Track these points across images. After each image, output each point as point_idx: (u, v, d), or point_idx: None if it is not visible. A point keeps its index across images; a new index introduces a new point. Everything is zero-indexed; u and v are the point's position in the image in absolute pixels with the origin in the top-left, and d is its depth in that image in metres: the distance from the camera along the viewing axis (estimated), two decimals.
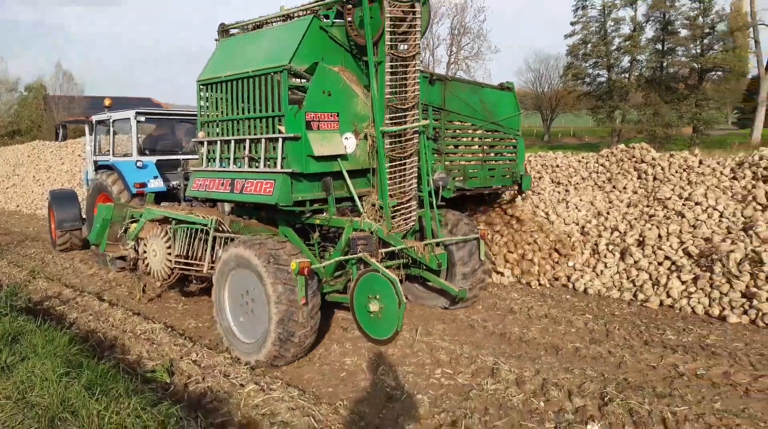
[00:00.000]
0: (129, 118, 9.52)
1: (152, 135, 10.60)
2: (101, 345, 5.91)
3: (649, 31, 39.87)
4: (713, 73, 38.43)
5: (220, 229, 6.20)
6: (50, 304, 7.41)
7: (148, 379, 5.03)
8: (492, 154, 7.95)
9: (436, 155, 6.96)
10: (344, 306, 6.45)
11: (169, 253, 6.58)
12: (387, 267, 5.59)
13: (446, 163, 7.15)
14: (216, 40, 6.79)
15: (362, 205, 5.89)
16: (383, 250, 5.79)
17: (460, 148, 7.53)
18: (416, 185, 6.11)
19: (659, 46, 39.26)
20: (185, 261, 6.47)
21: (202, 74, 6.46)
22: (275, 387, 4.83)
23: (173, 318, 7.01)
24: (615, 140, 39.80)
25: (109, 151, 10.07)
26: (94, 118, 10.59)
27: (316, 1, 5.80)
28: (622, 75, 41.47)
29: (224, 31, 6.75)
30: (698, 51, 37.56)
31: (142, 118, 9.57)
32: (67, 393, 4.03)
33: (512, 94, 8.17)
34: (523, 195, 9.27)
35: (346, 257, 5.68)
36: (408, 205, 6.07)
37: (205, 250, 6.25)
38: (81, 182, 16.30)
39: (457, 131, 7.43)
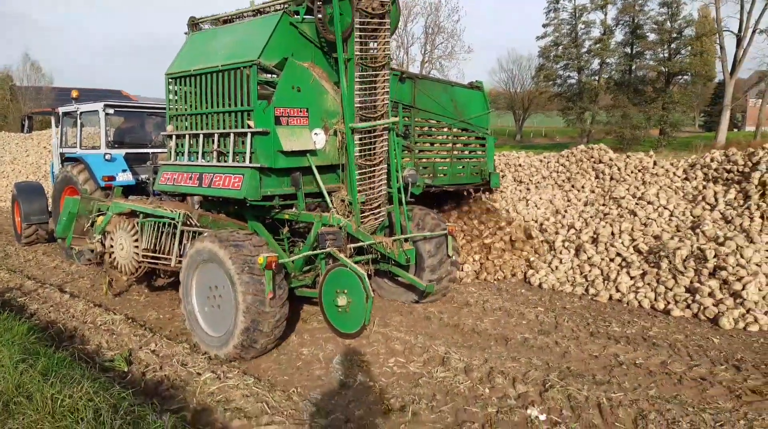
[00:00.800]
0: (97, 110, 9.47)
1: (121, 128, 10.52)
2: (60, 335, 5.96)
3: (619, 35, 40.74)
4: (680, 77, 39.36)
5: (188, 223, 6.20)
6: (11, 296, 7.42)
7: (106, 368, 5.12)
8: (461, 152, 8.09)
9: (405, 152, 7.07)
10: (313, 301, 6.51)
11: (137, 247, 6.58)
12: (356, 262, 5.70)
13: (416, 160, 7.27)
14: (185, 33, 6.82)
15: (331, 200, 5.98)
16: (352, 246, 5.89)
17: (429, 145, 7.65)
18: (386, 182, 6.21)
19: (628, 50, 40.06)
20: (153, 255, 6.47)
21: (171, 67, 6.48)
22: (231, 375, 4.95)
23: (135, 310, 7.08)
24: (584, 141, 40.52)
25: (76, 143, 10.01)
26: (61, 109, 10.50)
27: None
28: (592, 77, 42.24)
29: (194, 24, 6.79)
30: (666, 55, 38.40)
31: (111, 111, 9.53)
32: (22, 378, 4.12)
33: (482, 93, 8.31)
34: (490, 192, 9.44)
35: (315, 252, 5.76)
36: (377, 201, 6.17)
37: (173, 244, 6.25)
38: (47, 174, 16.12)
39: (427, 129, 7.56)
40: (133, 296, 7.67)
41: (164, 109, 6.87)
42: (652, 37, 38.74)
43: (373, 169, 6.07)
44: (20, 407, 3.77)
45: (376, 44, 5.83)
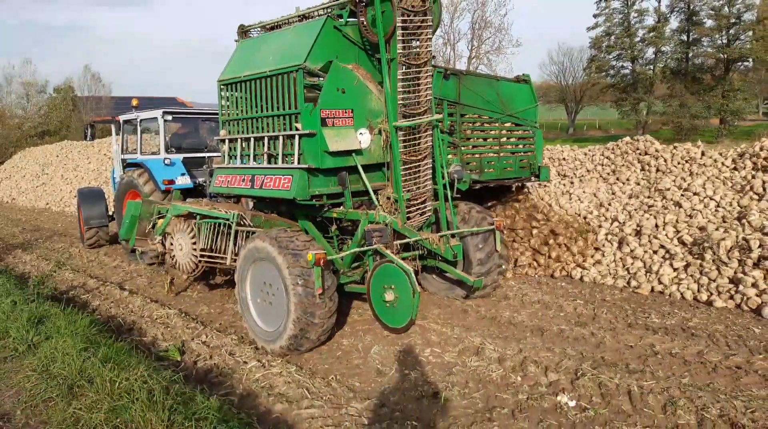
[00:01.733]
0: (156, 118, 9.89)
1: (178, 133, 10.92)
2: (120, 328, 6.41)
3: (674, 22, 39.61)
4: (740, 63, 37.93)
5: (242, 223, 6.43)
6: (75, 293, 7.97)
7: (161, 357, 5.50)
8: (508, 146, 8.01)
9: (451, 148, 7.08)
10: (359, 296, 6.73)
11: (194, 247, 6.85)
12: (402, 258, 5.82)
13: (462, 155, 7.24)
14: (236, 40, 7.06)
15: (377, 198, 6.11)
16: (398, 242, 6.00)
17: (475, 140, 7.60)
18: (431, 179, 6.30)
19: (684, 37, 38.93)
20: (209, 254, 6.73)
21: (222, 74, 6.74)
22: (275, 364, 5.26)
23: (188, 305, 7.49)
24: (641, 132, 39.56)
25: (136, 149, 10.49)
26: (122, 117, 10.99)
27: (331, 1, 6.06)
28: (647, 67, 41.15)
29: (243, 32, 7.01)
30: (724, 42, 37.08)
31: (169, 117, 9.93)
32: (84, 365, 4.52)
33: (529, 85, 8.22)
34: (539, 185, 9.24)
35: (362, 249, 5.86)
36: (423, 197, 6.23)
37: (228, 244, 6.49)
38: (107, 180, 16.97)
39: (472, 124, 7.51)
40: (187, 293, 8.10)
41: (217, 114, 7.15)
42: (709, 23, 37.60)
43: (417, 166, 6.12)
44: (82, 389, 4.17)
45: (418, 42, 5.89)
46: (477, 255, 6.77)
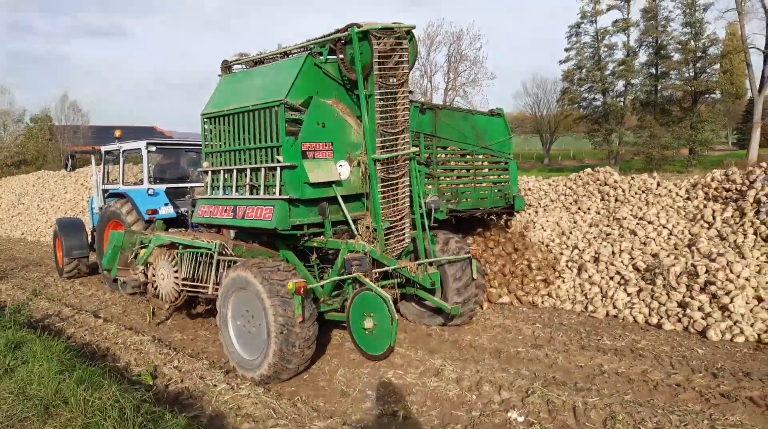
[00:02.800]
0: (140, 148, 10.01)
1: (161, 164, 11.03)
2: (94, 354, 6.62)
3: (643, 56, 40.92)
4: (707, 95, 39.21)
5: (224, 252, 6.55)
6: (50, 321, 8.14)
7: (134, 381, 5.71)
8: (483, 177, 8.28)
9: (429, 179, 7.33)
10: (342, 324, 6.81)
11: (177, 277, 6.97)
12: (381, 286, 6.03)
13: (439, 186, 7.51)
14: (219, 75, 7.29)
15: (357, 227, 6.33)
16: (377, 270, 6.20)
17: (451, 172, 7.86)
18: (408, 208, 6.48)
19: (653, 70, 40.21)
20: (192, 283, 6.83)
21: (206, 108, 6.95)
22: (243, 387, 5.51)
23: (162, 332, 7.70)
24: (613, 162, 40.58)
25: (117, 179, 10.57)
26: (103, 148, 11.07)
27: (311, 40, 6.34)
28: (617, 99, 42.36)
29: (227, 67, 7.26)
30: (692, 74, 38.40)
31: (153, 148, 10.05)
32: (59, 386, 4.75)
33: (503, 119, 8.53)
34: (511, 215, 9.52)
35: (341, 277, 6.03)
36: (401, 226, 6.44)
37: (210, 273, 6.59)
38: (84, 210, 17.03)
39: (449, 156, 7.78)
40: (161, 319, 8.30)
41: (200, 145, 7.30)
42: (676, 57, 38.88)
43: (395, 196, 6.34)
44: (58, 409, 4.39)
45: (395, 80, 6.18)
46: (454, 285, 6.92)
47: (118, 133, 11.01)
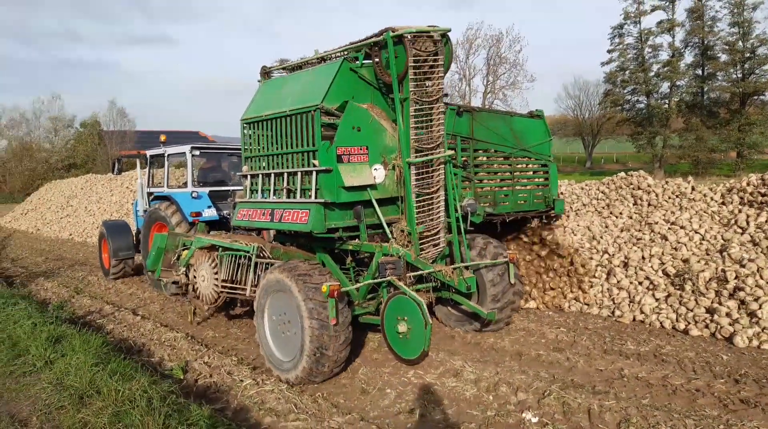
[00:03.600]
0: (184, 152, 10.31)
1: (204, 167, 11.35)
2: (130, 349, 6.94)
3: (688, 57, 39.97)
4: (756, 97, 38.07)
5: (262, 255, 6.66)
6: (91, 318, 8.55)
7: (166, 375, 5.99)
8: (522, 180, 8.17)
9: (465, 182, 7.30)
10: (374, 327, 6.86)
11: (216, 278, 7.15)
12: (416, 290, 6.12)
13: (476, 189, 7.43)
14: (258, 81, 7.50)
15: (391, 231, 6.33)
16: (411, 274, 6.19)
17: (489, 174, 7.76)
18: (444, 212, 6.48)
19: (699, 72, 39.26)
20: (231, 285, 7.00)
21: (245, 113, 7.12)
22: (268, 382, 5.72)
23: (195, 329, 8.00)
24: (657, 166, 39.76)
25: (162, 182, 10.94)
26: (149, 152, 11.44)
27: (347, 45, 6.48)
28: (662, 101, 41.43)
29: (266, 73, 7.45)
30: (739, 75, 37.36)
31: (197, 152, 10.35)
32: (94, 378, 5.05)
33: (542, 120, 8.40)
34: (553, 218, 9.40)
35: (375, 280, 6.03)
36: (436, 230, 6.46)
37: (248, 275, 6.73)
38: (129, 212, 17.63)
39: (485, 158, 7.70)
40: (202, 320, 8.61)
41: (240, 149, 7.49)
42: (723, 57, 37.90)
43: (431, 200, 6.36)
44: (91, 398, 4.68)
45: (430, 83, 6.24)
46: (491, 291, 6.89)
47: (163, 138, 11.32)
